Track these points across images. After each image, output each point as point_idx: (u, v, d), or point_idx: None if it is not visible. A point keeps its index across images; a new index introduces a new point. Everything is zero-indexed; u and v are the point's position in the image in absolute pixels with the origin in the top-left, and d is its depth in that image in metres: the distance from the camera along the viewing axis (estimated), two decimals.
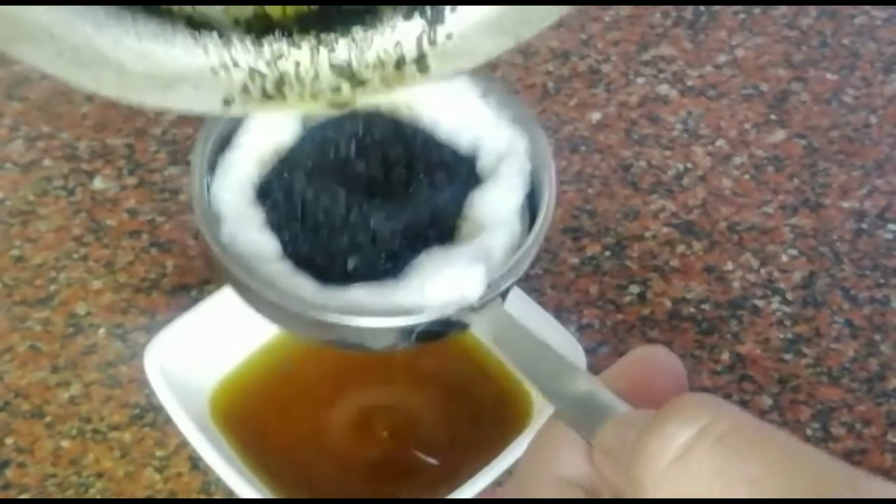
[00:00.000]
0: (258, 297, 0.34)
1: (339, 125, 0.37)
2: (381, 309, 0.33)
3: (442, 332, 0.34)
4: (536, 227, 0.35)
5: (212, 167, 0.36)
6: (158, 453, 0.51)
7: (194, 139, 0.62)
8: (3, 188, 0.62)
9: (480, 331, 0.32)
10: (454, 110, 0.38)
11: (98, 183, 0.62)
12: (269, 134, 0.37)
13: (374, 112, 0.38)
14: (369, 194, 0.36)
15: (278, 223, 0.35)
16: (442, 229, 0.35)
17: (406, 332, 0.33)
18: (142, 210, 0.61)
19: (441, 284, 0.33)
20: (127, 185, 0.62)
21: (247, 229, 0.35)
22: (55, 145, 0.64)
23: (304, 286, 0.34)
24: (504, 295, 0.33)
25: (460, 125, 0.37)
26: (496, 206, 0.35)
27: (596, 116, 0.66)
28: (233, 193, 0.36)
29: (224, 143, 0.37)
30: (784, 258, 0.59)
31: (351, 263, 0.34)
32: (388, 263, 0.34)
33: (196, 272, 0.58)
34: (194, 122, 0.69)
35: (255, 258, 0.34)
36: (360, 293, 0.33)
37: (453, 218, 0.36)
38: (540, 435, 0.27)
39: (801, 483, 0.21)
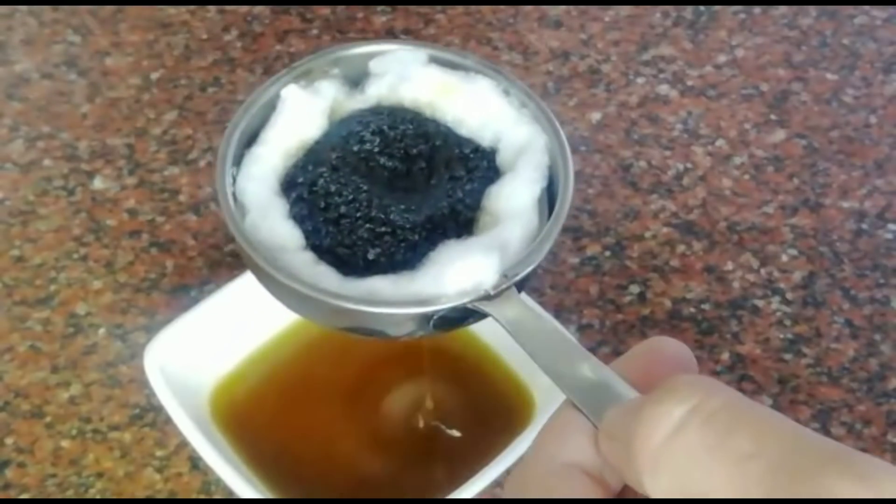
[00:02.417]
0: (281, 286, 0.34)
1: (364, 120, 0.38)
2: (400, 297, 0.33)
3: (459, 319, 0.34)
4: (552, 219, 0.35)
5: (237, 160, 0.37)
6: (158, 453, 0.51)
7: (194, 140, 0.62)
8: (3, 188, 0.62)
9: (497, 319, 0.32)
10: (477, 107, 0.38)
11: (98, 183, 0.62)
12: (295, 128, 0.38)
13: (397, 108, 0.38)
14: (391, 187, 0.37)
15: (301, 214, 0.36)
16: (460, 222, 0.36)
17: (424, 319, 0.34)
18: (142, 210, 0.61)
19: (457, 273, 0.33)
20: (127, 185, 0.62)
21: (270, 220, 0.35)
22: (55, 145, 0.64)
23: (325, 275, 0.34)
24: (520, 285, 0.34)
25: (482, 122, 0.38)
26: (514, 200, 0.36)
27: (596, 116, 0.66)
28: (257, 184, 0.36)
29: (251, 138, 0.38)
30: (784, 258, 0.59)
31: (371, 254, 0.35)
32: (407, 254, 0.35)
33: (196, 272, 0.58)
34: (194, 122, 0.70)
35: (278, 248, 0.35)
36: (379, 283, 0.34)
37: (472, 211, 0.36)
38: (550, 420, 0.27)
39: (792, 458, 0.21)
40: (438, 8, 0.72)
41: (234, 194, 0.36)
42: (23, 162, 0.63)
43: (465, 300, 0.33)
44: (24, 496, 0.50)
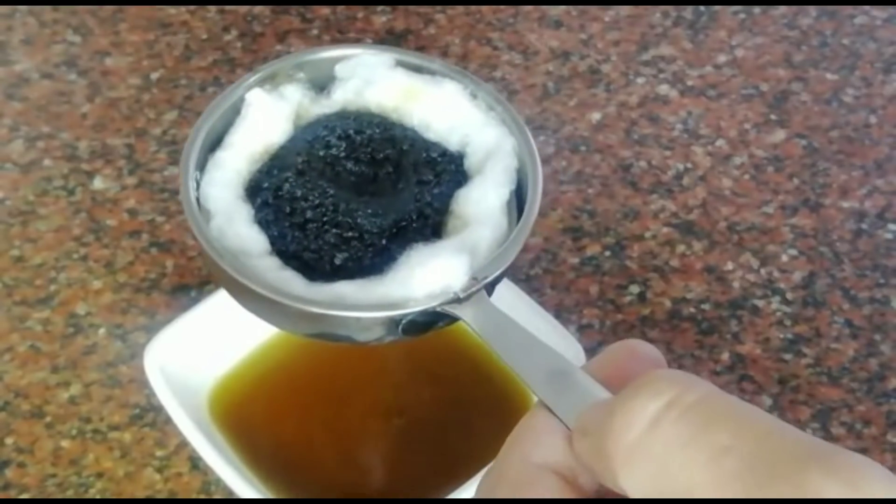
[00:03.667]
0: (246, 292, 0.34)
1: (330, 125, 0.38)
2: (368, 302, 0.33)
3: (428, 323, 0.34)
4: (521, 222, 0.35)
5: (202, 165, 0.37)
6: (158, 453, 0.51)
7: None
8: (3, 188, 0.62)
9: (466, 323, 0.32)
10: (444, 111, 0.38)
11: (98, 183, 0.62)
12: (260, 133, 0.38)
13: (364, 112, 0.38)
14: (358, 192, 0.37)
15: (267, 219, 0.35)
16: (429, 226, 0.36)
17: (393, 323, 0.33)
18: (142, 210, 0.61)
19: (425, 276, 0.33)
20: (127, 185, 0.62)
21: (235, 225, 0.35)
22: (55, 145, 0.64)
23: (291, 280, 0.34)
24: (490, 288, 0.34)
25: (450, 125, 0.38)
26: (482, 203, 0.36)
27: (596, 116, 0.66)
28: (222, 190, 0.36)
29: (215, 142, 0.37)
30: (784, 258, 0.59)
31: (338, 259, 0.35)
32: (375, 259, 0.35)
33: (196, 272, 0.58)
34: (194, 122, 0.69)
35: (243, 253, 0.35)
36: (346, 288, 0.33)
37: (440, 215, 0.36)
38: (523, 421, 0.27)
39: (771, 453, 0.21)
40: (438, 8, 0.72)
41: (198, 199, 0.36)
42: (23, 162, 0.63)
43: (434, 303, 0.33)
44: (24, 496, 0.50)
